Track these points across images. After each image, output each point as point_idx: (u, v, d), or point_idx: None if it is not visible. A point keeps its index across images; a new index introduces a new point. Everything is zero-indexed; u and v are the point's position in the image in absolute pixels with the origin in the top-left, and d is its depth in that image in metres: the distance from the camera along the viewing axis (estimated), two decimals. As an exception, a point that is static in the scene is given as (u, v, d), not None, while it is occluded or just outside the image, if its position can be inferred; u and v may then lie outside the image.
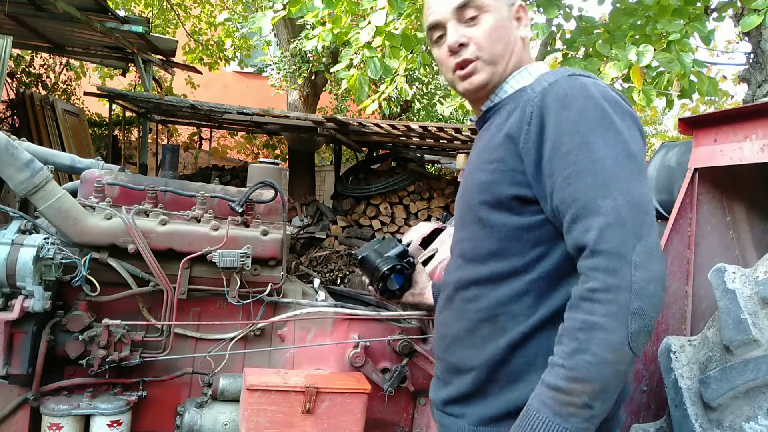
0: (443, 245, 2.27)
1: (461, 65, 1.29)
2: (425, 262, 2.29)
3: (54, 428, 1.89)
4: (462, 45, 1.28)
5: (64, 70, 11.91)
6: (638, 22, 4.04)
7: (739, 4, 4.20)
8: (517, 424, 1.09)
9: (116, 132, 11.44)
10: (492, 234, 1.20)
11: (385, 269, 1.65)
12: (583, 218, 1.06)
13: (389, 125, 6.50)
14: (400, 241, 1.75)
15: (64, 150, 8.43)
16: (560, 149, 1.10)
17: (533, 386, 1.10)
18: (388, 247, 1.73)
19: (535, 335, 1.16)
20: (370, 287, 1.73)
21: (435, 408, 1.36)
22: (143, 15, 10.86)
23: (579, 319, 1.03)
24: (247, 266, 2.04)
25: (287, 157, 10.00)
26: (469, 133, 6.43)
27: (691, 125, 2.16)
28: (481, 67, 1.29)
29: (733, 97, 9.46)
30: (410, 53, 4.30)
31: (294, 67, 9.13)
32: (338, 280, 6.29)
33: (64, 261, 1.86)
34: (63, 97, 11.28)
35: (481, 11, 1.27)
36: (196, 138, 13.77)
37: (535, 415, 1.05)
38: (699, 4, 3.81)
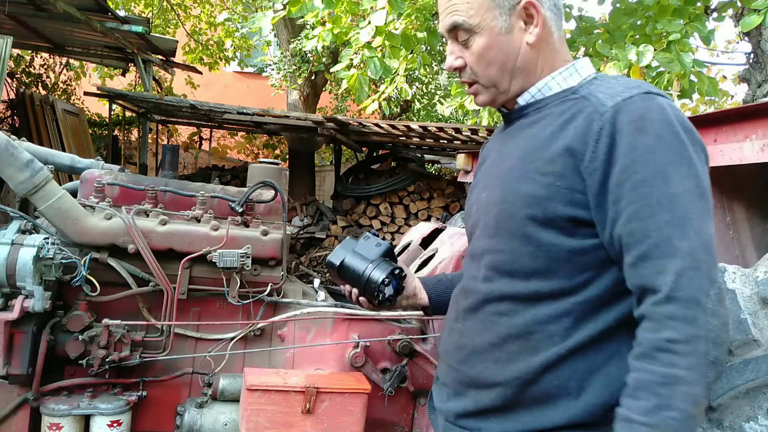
0: (443, 245, 2.27)
1: (467, 83, 1.25)
2: (425, 263, 2.29)
3: (54, 428, 1.89)
4: (458, 68, 1.23)
5: (64, 70, 11.91)
6: (638, 22, 4.04)
7: (739, 4, 4.20)
8: None
9: (116, 132, 11.44)
10: (538, 253, 1.11)
11: (383, 277, 1.40)
12: (655, 258, 0.99)
13: (389, 125, 6.50)
14: (376, 234, 1.52)
15: (64, 150, 8.43)
16: (633, 176, 1.01)
17: (565, 413, 1.07)
18: (369, 246, 1.47)
19: (569, 358, 1.09)
20: (361, 298, 1.46)
21: (443, 418, 1.29)
22: (143, 15, 10.86)
23: (658, 373, 0.97)
24: (247, 266, 2.04)
25: (287, 157, 10.00)
26: (469, 133, 6.43)
27: (691, 125, 2.15)
28: (481, 90, 1.23)
29: (733, 97, 9.46)
30: (410, 53, 4.30)
31: (294, 67, 9.13)
32: (338, 280, 6.27)
33: (64, 261, 1.87)
34: (63, 97, 11.28)
35: (471, 34, 1.18)
36: (196, 138, 13.77)
37: None
38: (699, 4, 3.81)
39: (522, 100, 1.23)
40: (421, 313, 2.10)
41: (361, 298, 1.46)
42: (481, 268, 1.21)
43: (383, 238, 1.67)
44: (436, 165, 12.00)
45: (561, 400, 1.09)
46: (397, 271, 1.43)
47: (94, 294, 1.96)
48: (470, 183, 1.61)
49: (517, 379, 1.13)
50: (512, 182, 1.16)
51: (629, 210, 1.02)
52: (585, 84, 1.17)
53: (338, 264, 1.46)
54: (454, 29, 1.19)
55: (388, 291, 1.43)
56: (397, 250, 2.66)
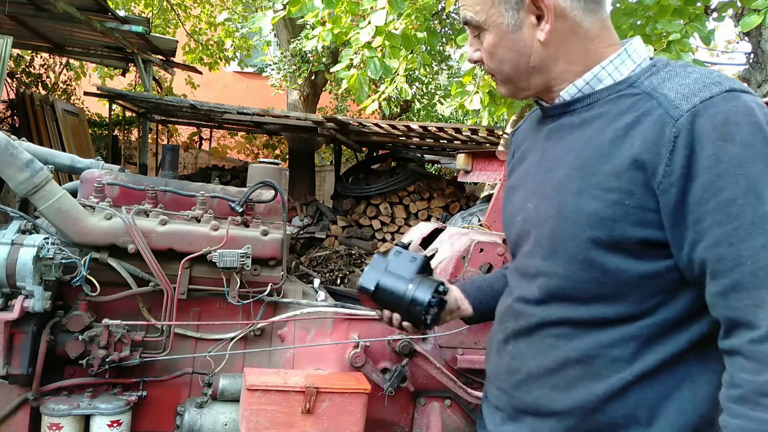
0: (443, 245, 2.27)
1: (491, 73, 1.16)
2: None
3: (54, 428, 1.89)
4: (476, 61, 1.15)
5: (64, 70, 11.91)
6: (638, 22, 4.04)
7: (739, 4, 4.20)
8: None
9: (116, 132, 11.45)
10: (604, 279, 0.98)
11: (428, 298, 1.24)
12: (751, 289, 0.87)
13: (389, 125, 6.50)
14: (406, 247, 1.34)
15: (64, 150, 8.43)
16: (720, 194, 0.88)
17: None
18: (403, 262, 1.30)
19: (636, 384, 0.99)
20: (405, 323, 1.30)
21: None
22: (143, 15, 10.86)
23: (766, 421, 0.86)
24: (247, 266, 2.04)
25: (287, 157, 10.01)
26: (469, 133, 6.43)
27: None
28: (501, 84, 1.15)
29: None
30: (410, 53, 4.30)
31: (294, 67, 9.13)
32: (338, 280, 6.29)
33: (64, 261, 1.86)
34: (63, 97, 11.28)
35: (481, 30, 1.09)
36: (196, 138, 13.78)
37: None
38: (699, 4, 3.81)
39: (567, 95, 1.09)
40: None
41: (405, 323, 1.30)
42: (533, 289, 1.09)
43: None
44: (436, 165, 12.01)
45: (629, 430, 1.00)
46: (441, 288, 1.27)
47: (94, 294, 1.96)
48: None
49: (579, 407, 1.02)
50: (570, 196, 1.01)
51: (716, 232, 0.89)
52: (643, 74, 1.01)
53: (373, 288, 1.27)
54: (467, 24, 1.12)
55: (433, 312, 1.26)
56: (397, 250, 2.66)
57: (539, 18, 1.04)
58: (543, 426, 1.08)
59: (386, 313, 1.31)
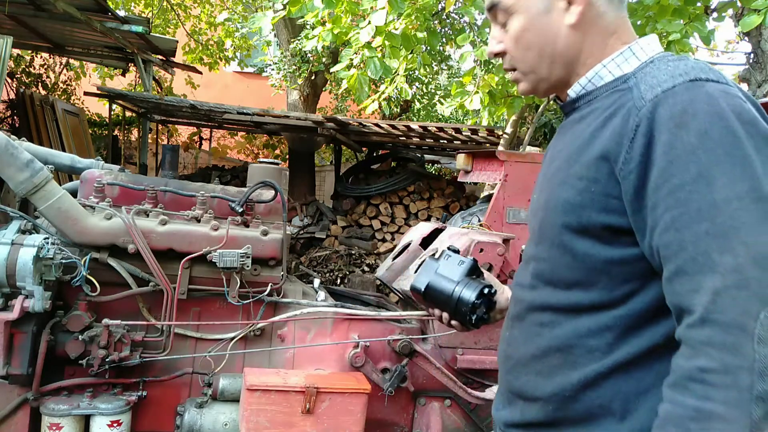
0: (443, 245, 2.27)
1: (509, 71, 1.17)
2: (425, 262, 2.29)
3: (54, 428, 1.89)
4: (498, 54, 1.15)
5: (64, 70, 11.91)
6: (638, 22, 4.04)
7: (739, 4, 4.20)
8: None
9: (116, 132, 11.44)
10: (574, 263, 1.03)
11: (473, 299, 1.33)
12: (691, 274, 0.87)
13: (389, 125, 6.50)
14: (457, 251, 1.42)
15: (64, 150, 8.43)
16: (671, 180, 0.90)
17: None
18: (452, 265, 1.39)
19: (611, 376, 1.01)
20: (453, 322, 1.38)
21: (497, 425, 1.25)
22: (143, 15, 10.86)
23: (690, 406, 0.85)
24: (247, 266, 2.04)
25: (287, 157, 10.01)
26: (469, 133, 6.43)
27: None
28: (521, 77, 1.15)
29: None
30: (410, 53, 4.30)
31: (294, 67, 9.13)
32: (338, 280, 6.29)
33: (64, 261, 1.87)
34: (63, 97, 11.28)
35: (508, 14, 1.10)
36: (196, 138, 13.78)
37: None
38: (699, 4, 3.81)
39: (573, 92, 1.13)
40: (421, 312, 2.10)
41: (453, 322, 1.37)
42: (528, 275, 1.16)
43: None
44: (436, 165, 12.01)
45: (604, 421, 1.02)
46: (486, 290, 1.35)
47: (94, 294, 1.96)
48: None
49: (556, 394, 1.06)
50: (555, 186, 1.08)
51: (666, 218, 0.90)
52: (639, 70, 1.03)
53: (424, 288, 1.38)
54: (493, 8, 1.12)
55: (480, 311, 1.35)
56: (396, 250, 2.66)
57: (569, 3, 1.07)
58: (530, 410, 1.13)
59: (437, 311, 1.40)
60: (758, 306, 0.83)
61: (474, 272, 1.39)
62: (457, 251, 1.42)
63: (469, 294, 1.33)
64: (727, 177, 0.87)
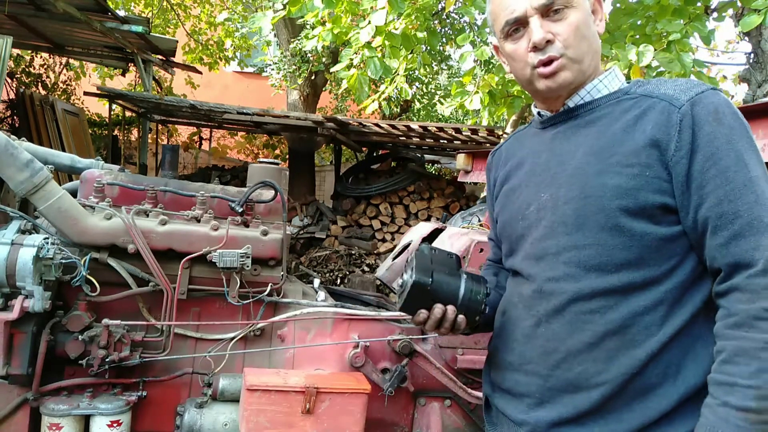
0: (443, 245, 2.27)
1: (545, 62, 1.22)
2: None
3: (54, 428, 1.89)
4: (548, 42, 1.21)
5: (64, 70, 11.91)
6: (638, 22, 4.04)
7: (739, 4, 4.20)
8: None
9: (116, 132, 11.44)
10: (631, 243, 1.14)
11: (483, 290, 1.32)
12: (749, 236, 1.06)
13: (389, 125, 6.50)
14: (432, 248, 1.39)
15: (64, 150, 8.43)
16: (718, 163, 1.09)
17: (665, 400, 1.11)
18: (444, 258, 1.37)
19: (669, 345, 1.13)
20: (460, 317, 1.32)
21: (524, 431, 1.25)
22: (143, 15, 10.86)
23: (760, 339, 1.02)
24: (247, 266, 2.04)
25: (287, 157, 10.00)
26: (469, 133, 6.43)
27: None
28: (568, 65, 1.23)
29: (733, 97, 9.46)
30: (410, 53, 4.30)
31: (294, 67, 9.14)
32: (338, 280, 6.29)
33: (64, 261, 1.86)
34: (63, 97, 11.28)
35: (568, 5, 1.21)
36: (196, 138, 13.78)
37: None
38: (699, 4, 3.81)
39: (572, 102, 1.28)
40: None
41: (459, 317, 1.31)
42: (560, 266, 1.20)
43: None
44: (436, 165, 12.01)
45: (662, 388, 1.12)
46: (488, 291, 1.34)
47: (94, 294, 1.96)
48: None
49: (623, 374, 1.13)
50: (592, 177, 1.18)
51: (718, 193, 1.08)
52: (632, 87, 1.24)
53: (431, 281, 1.30)
54: (551, 3, 1.20)
55: (485, 310, 1.32)
56: (396, 250, 2.66)
57: (594, 14, 1.28)
58: (584, 400, 1.17)
59: (437, 309, 1.31)
60: None
61: (460, 266, 1.38)
62: (432, 248, 1.38)
63: (479, 285, 1.31)
64: (753, 160, 1.10)
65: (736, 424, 1.02)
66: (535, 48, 1.22)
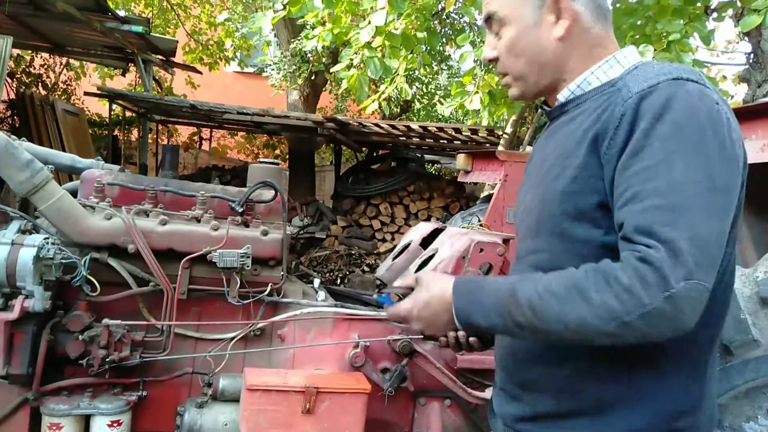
0: (443, 245, 2.27)
1: (501, 76, 1.26)
2: (425, 263, 2.29)
3: (54, 428, 1.89)
4: (492, 60, 1.24)
5: (64, 70, 11.91)
6: (638, 22, 4.04)
7: (739, 4, 4.20)
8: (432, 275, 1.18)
9: (116, 132, 11.45)
10: (574, 249, 1.10)
11: None
12: (634, 240, 0.97)
13: (389, 125, 6.51)
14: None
15: (64, 150, 8.42)
16: (639, 162, 0.99)
17: (627, 420, 1.08)
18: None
19: (621, 351, 1.08)
20: (472, 339, 1.40)
21: (501, 422, 1.30)
22: (143, 15, 10.86)
23: (596, 299, 0.96)
24: (247, 266, 2.04)
25: (287, 157, 10.02)
26: (469, 133, 6.43)
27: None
28: (512, 83, 1.24)
29: (733, 97, 9.46)
30: (410, 53, 4.30)
31: (294, 67, 9.14)
32: (338, 280, 6.30)
33: (64, 261, 1.86)
34: (63, 97, 11.29)
35: (502, 25, 1.20)
36: (196, 138, 13.79)
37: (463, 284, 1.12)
38: (699, 4, 3.81)
39: (562, 97, 1.22)
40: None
41: (472, 339, 1.38)
42: (525, 269, 1.22)
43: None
44: (436, 165, 12.01)
45: (614, 393, 1.10)
46: None
47: (94, 294, 1.96)
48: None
49: (572, 377, 1.13)
50: (550, 181, 1.15)
51: (626, 195, 0.99)
52: (625, 75, 1.13)
53: None
54: (489, 19, 1.22)
55: None
56: (396, 250, 2.66)
57: (557, 18, 1.17)
58: (541, 402, 1.19)
59: (450, 336, 1.40)
60: (681, 273, 0.92)
61: None
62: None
63: None
64: (688, 164, 0.96)
65: (494, 290, 1.08)
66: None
